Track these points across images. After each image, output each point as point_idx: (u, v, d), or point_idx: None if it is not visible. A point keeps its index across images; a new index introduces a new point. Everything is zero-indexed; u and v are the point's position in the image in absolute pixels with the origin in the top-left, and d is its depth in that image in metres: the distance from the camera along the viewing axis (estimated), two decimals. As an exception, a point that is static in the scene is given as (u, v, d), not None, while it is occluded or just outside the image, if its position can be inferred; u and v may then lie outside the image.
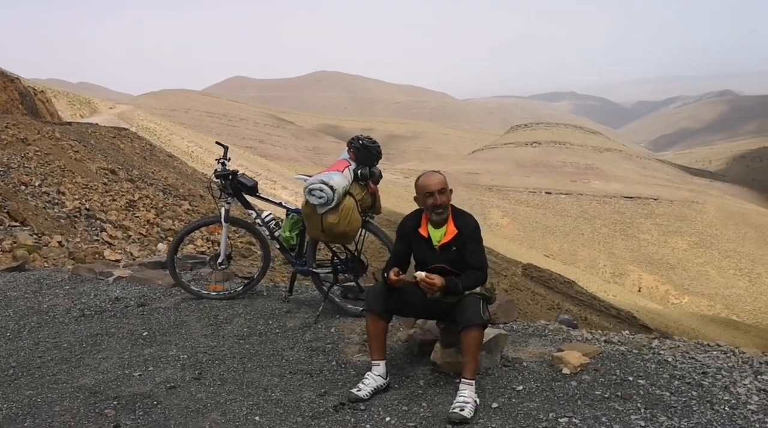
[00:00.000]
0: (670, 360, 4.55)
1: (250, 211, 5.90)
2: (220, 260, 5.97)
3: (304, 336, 5.08)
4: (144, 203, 22.25)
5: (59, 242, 13.22)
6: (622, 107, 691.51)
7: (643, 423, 3.65)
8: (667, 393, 4.01)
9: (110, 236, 16.62)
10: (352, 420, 3.80)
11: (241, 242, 17.72)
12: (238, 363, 4.62)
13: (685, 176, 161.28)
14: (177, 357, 4.74)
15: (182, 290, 6.17)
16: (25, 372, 4.53)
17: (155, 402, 4.03)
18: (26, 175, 18.11)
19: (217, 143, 6.41)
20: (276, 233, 5.76)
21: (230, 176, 5.75)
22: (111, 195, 21.27)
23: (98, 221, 17.42)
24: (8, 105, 35.86)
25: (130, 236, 17.69)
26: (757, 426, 3.61)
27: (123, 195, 21.99)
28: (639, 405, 3.88)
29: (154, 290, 6.40)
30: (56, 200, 17.43)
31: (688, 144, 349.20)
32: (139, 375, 4.45)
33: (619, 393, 4.02)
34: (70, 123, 38.36)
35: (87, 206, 18.28)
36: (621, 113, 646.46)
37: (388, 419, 3.79)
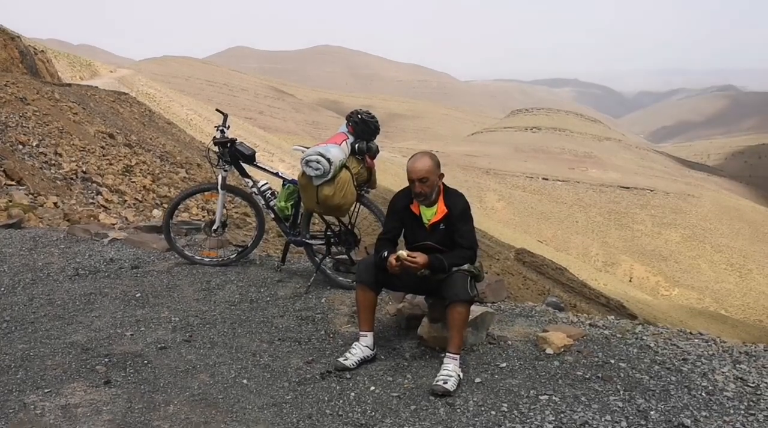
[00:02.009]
0: (652, 345, 4.64)
1: (247, 180, 5.94)
2: (215, 227, 6.03)
3: (295, 305, 5.16)
4: (141, 169, 22.18)
5: (55, 204, 13.20)
6: (624, 96, 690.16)
7: (621, 404, 3.75)
8: (647, 377, 4.11)
9: (106, 200, 16.59)
10: (338, 387, 3.88)
11: (236, 212, 17.75)
12: (229, 328, 4.70)
13: (682, 168, 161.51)
14: (168, 320, 4.81)
15: (176, 255, 6.23)
16: (18, 326, 4.60)
17: (146, 362, 4.11)
18: (24, 134, 17.98)
19: (217, 110, 6.43)
20: (271, 203, 5.80)
21: (229, 144, 5.78)
22: (108, 159, 21.18)
23: (94, 185, 17.37)
24: (8, 63, 35.51)
25: (126, 201, 17.66)
26: (732, 412, 3.71)
27: (120, 160, 21.90)
28: (618, 386, 3.97)
29: (149, 253, 6.46)
30: (53, 161, 17.35)
31: (687, 137, 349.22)
32: (131, 334, 4.53)
33: (599, 375, 4.11)
34: (69, 85, 38.05)
35: (84, 168, 18.20)
36: (622, 102, 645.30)
37: (372, 388, 3.88)
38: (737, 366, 4.35)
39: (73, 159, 18.67)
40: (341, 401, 3.72)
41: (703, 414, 3.68)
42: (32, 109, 21.26)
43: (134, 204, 17.76)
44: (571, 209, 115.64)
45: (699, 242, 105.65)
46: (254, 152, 5.85)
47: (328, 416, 3.56)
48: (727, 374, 4.21)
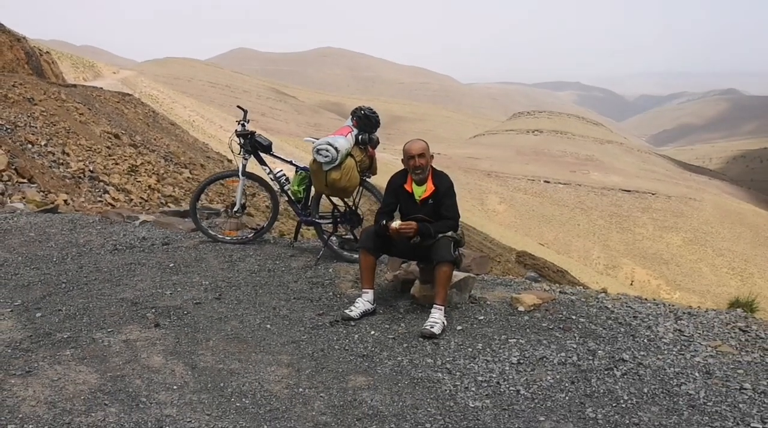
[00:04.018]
0: (609, 307, 5.49)
1: (264, 167, 6.80)
2: (235, 209, 6.89)
3: (306, 273, 6.02)
4: (146, 169, 22.74)
5: (65, 201, 13.84)
6: (626, 99, 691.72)
7: (575, 346, 4.61)
8: (601, 329, 4.97)
9: (113, 199, 17.26)
10: (344, 331, 4.76)
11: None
12: (251, 290, 5.57)
13: (684, 172, 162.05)
14: (200, 283, 5.67)
15: (201, 234, 7.08)
16: (75, 286, 5.46)
17: (185, 312, 4.98)
18: (32, 134, 18.49)
19: (238, 107, 7.27)
20: (286, 187, 6.67)
21: (249, 136, 6.66)
22: (114, 159, 21.73)
23: (101, 183, 17.93)
24: (14, 64, 36.04)
25: (132, 199, 18.27)
26: (666, 352, 4.57)
27: (126, 159, 22.46)
28: (576, 335, 4.83)
29: (176, 233, 7.32)
30: (61, 160, 17.93)
31: (688, 140, 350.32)
32: (170, 293, 5.39)
33: (561, 326, 4.97)
34: (75, 85, 38.59)
35: (91, 168, 18.74)
36: (624, 105, 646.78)
37: (373, 332, 4.75)
38: (678, 321, 5.21)
39: (81, 158, 19.26)
40: (347, 340, 4.60)
41: (642, 353, 4.54)
42: (40, 109, 21.80)
43: (140, 203, 18.41)
44: (572, 212, 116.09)
45: (700, 245, 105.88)
46: (271, 143, 6.72)
47: (336, 350, 4.44)
48: (668, 327, 5.06)
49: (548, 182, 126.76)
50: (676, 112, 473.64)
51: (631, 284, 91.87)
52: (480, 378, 4.07)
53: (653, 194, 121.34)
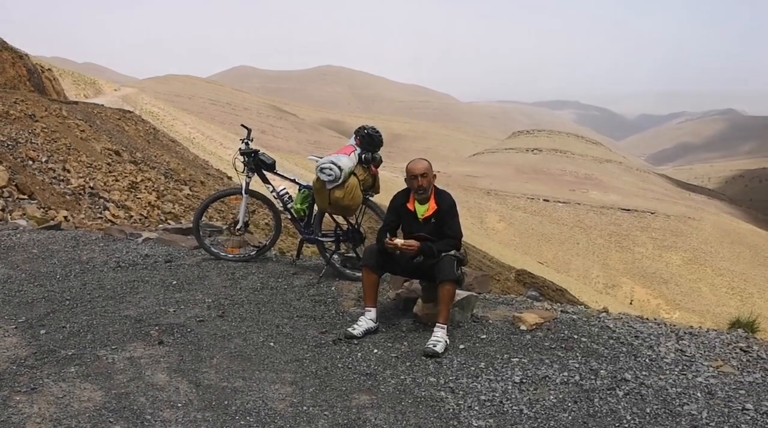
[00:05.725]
0: (611, 326, 5.50)
1: (268, 185, 6.85)
2: (238, 227, 6.93)
3: (309, 291, 6.05)
4: (146, 186, 22.74)
5: (65, 217, 13.85)
6: (625, 118, 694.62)
7: (577, 365, 4.62)
8: (603, 348, 4.98)
9: (113, 215, 17.26)
10: (347, 350, 4.77)
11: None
12: (254, 308, 5.59)
13: (683, 191, 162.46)
14: (203, 301, 5.70)
15: (203, 252, 7.11)
16: (78, 304, 5.48)
17: (189, 330, 5.00)
18: (33, 151, 18.49)
19: (242, 125, 7.33)
20: (289, 205, 6.72)
21: (252, 154, 6.71)
22: (114, 175, 21.73)
23: (101, 200, 17.92)
24: (16, 81, 36.18)
25: (132, 216, 18.27)
26: (668, 372, 4.58)
27: (126, 176, 22.46)
28: (578, 354, 4.84)
29: (178, 250, 7.35)
30: (62, 177, 17.94)
31: (687, 160, 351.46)
32: (174, 311, 5.41)
33: (563, 345, 4.98)
34: (76, 102, 38.65)
35: (91, 184, 18.76)
36: (623, 124, 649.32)
37: (376, 351, 4.77)
38: (680, 341, 5.22)
39: (81, 175, 19.26)
40: (350, 359, 4.61)
41: (644, 373, 4.55)
42: (41, 126, 21.81)
43: (140, 219, 18.42)
44: (572, 230, 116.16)
45: (700, 265, 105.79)
46: (274, 161, 6.78)
47: (340, 368, 4.45)
48: (669, 347, 5.07)
49: (547, 200, 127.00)
50: (675, 131, 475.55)
51: (631, 303, 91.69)
52: (483, 397, 4.09)
53: (652, 213, 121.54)
